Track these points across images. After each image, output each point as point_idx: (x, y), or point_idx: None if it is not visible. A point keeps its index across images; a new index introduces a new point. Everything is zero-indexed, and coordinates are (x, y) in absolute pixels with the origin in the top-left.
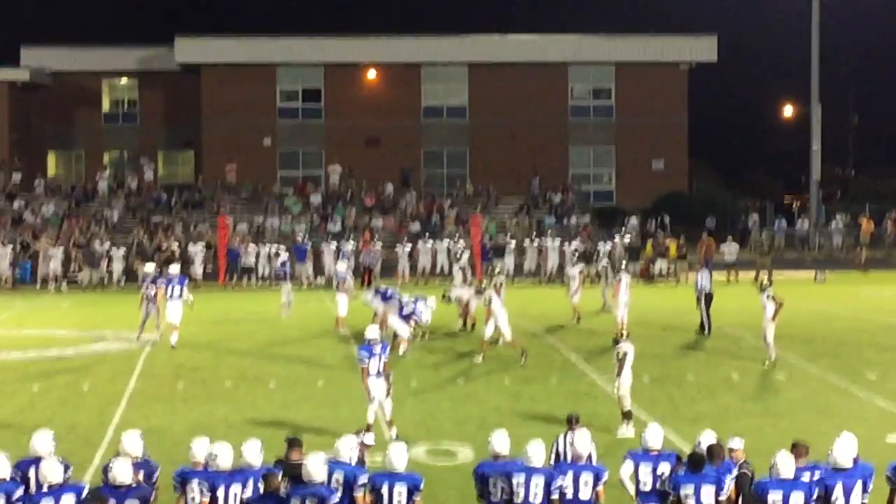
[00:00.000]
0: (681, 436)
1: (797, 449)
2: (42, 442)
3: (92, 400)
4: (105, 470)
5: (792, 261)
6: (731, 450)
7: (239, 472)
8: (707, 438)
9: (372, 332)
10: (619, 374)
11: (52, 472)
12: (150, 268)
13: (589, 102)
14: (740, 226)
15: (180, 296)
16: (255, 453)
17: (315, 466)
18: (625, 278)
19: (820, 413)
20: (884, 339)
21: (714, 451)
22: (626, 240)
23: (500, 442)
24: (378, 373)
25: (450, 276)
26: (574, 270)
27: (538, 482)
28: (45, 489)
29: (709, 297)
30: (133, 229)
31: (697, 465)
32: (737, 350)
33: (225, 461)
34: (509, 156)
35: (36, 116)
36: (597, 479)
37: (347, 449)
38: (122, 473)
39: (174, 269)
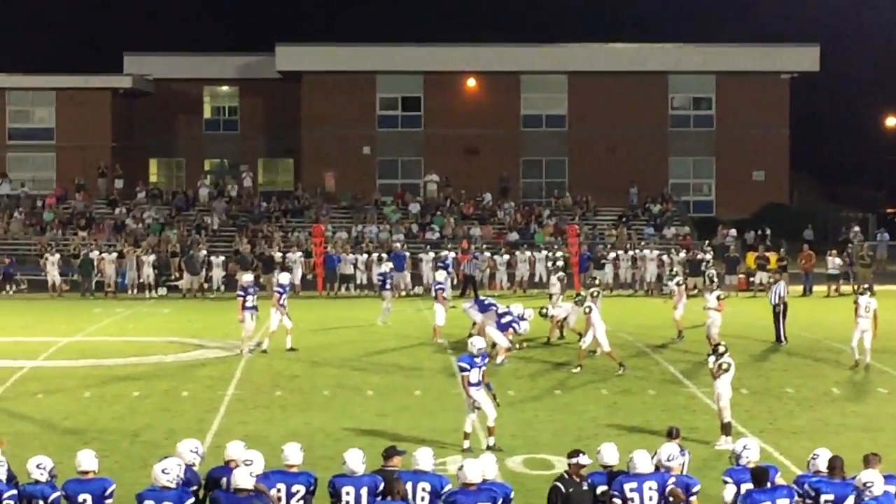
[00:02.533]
0: (779, 449)
1: (869, 459)
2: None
3: (191, 406)
4: (216, 477)
5: (894, 274)
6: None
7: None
8: (823, 454)
9: (478, 342)
10: (715, 380)
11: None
12: (248, 278)
13: (689, 112)
14: (841, 238)
15: (283, 304)
16: (357, 461)
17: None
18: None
19: None
20: None
21: (835, 465)
22: (709, 256)
23: (610, 453)
24: (479, 382)
25: (547, 286)
26: (672, 284)
27: (651, 485)
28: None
29: (784, 308)
30: (234, 236)
31: (761, 480)
32: (837, 363)
33: (258, 467)
34: (608, 165)
35: (138, 123)
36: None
37: (428, 458)
38: (243, 479)
39: (285, 277)
